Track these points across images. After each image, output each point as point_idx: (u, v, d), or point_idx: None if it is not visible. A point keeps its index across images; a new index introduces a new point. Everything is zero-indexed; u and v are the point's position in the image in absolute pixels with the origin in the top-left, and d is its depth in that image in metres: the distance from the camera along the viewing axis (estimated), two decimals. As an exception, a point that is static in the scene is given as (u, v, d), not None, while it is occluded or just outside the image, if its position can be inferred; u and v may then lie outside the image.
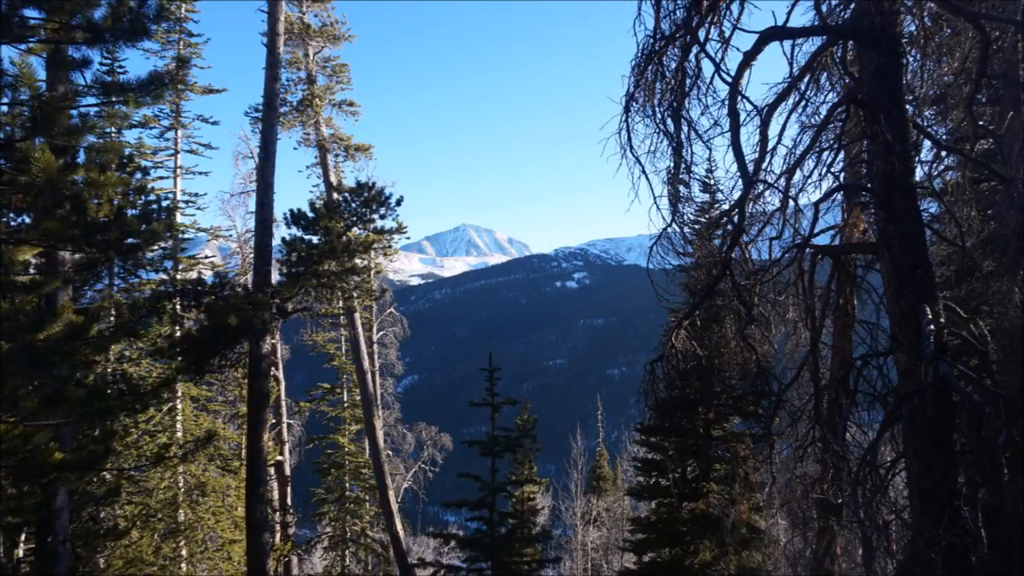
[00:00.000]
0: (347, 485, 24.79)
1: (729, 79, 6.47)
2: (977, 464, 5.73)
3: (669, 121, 6.91)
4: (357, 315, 20.35)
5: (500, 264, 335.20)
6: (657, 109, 6.92)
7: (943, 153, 7.91)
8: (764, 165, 6.75)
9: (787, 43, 7.06)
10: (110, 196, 7.50)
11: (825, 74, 7.57)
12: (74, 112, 7.52)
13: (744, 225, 7.02)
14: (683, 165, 7.09)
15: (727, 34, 6.56)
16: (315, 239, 12.24)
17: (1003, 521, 6.04)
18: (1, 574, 9.58)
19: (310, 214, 12.21)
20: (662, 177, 7.25)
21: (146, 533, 17.23)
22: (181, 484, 19.00)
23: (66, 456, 7.63)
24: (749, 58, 6.41)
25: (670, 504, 13.81)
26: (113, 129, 15.43)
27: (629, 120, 7.04)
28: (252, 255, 13.15)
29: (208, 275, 17.84)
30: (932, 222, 9.63)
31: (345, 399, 25.51)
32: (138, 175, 8.73)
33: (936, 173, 8.51)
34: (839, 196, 8.11)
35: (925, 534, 5.71)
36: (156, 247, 13.31)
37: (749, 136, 6.72)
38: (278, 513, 20.67)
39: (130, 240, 7.90)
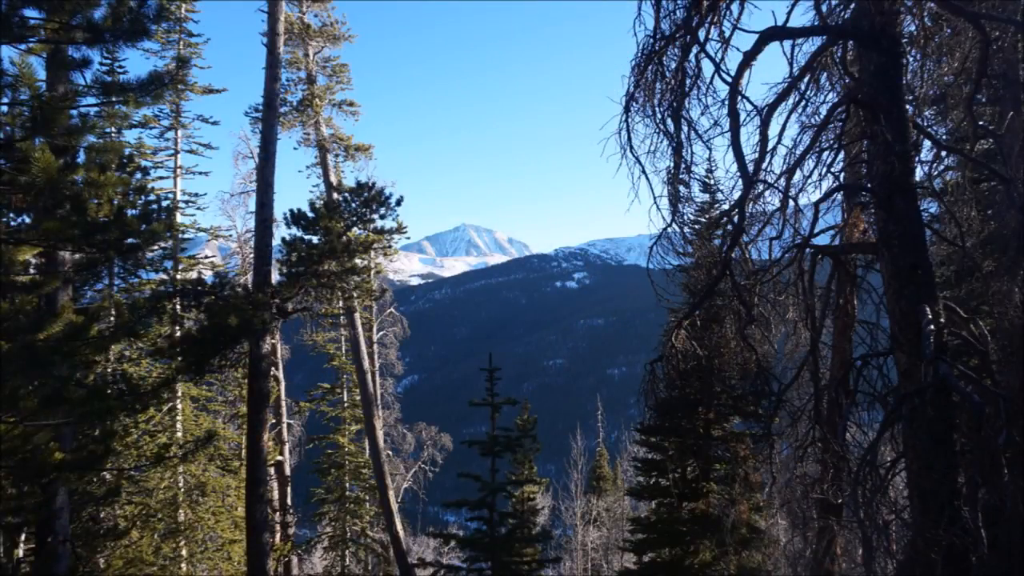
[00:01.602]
0: (347, 485, 24.79)
1: (729, 79, 6.47)
2: (977, 464, 5.73)
3: (669, 121, 6.91)
4: (357, 315, 20.36)
5: (500, 264, 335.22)
6: (657, 109, 6.92)
7: (943, 153, 7.91)
8: (764, 165, 6.75)
9: (787, 43, 7.06)
10: (110, 196, 7.50)
11: (825, 74, 7.57)
12: (74, 112, 7.52)
13: (744, 225, 7.02)
14: (683, 165, 7.09)
15: (727, 34, 6.56)
16: (315, 239, 12.24)
17: (1003, 521, 6.04)
18: (1, 574, 9.58)
19: (310, 214, 12.21)
20: (662, 177, 7.26)
21: (146, 533, 17.23)
22: (181, 484, 19.00)
23: (66, 456, 7.63)
24: (749, 58, 6.40)
25: (670, 504, 13.81)
26: (113, 129, 15.43)
27: (629, 120, 7.05)
28: (252, 255, 13.15)
29: (208, 275, 17.84)
30: (932, 222, 9.63)
31: (345, 399, 25.51)
32: (138, 175, 8.73)
33: (936, 173, 8.51)
34: (839, 196, 8.11)
35: (925, 534, 5.71)
36: (156, 247, 13.33)
37: (749, 136, 6.73)
38: (278, 513, 20.67)
39: (130, 240, 7.90)
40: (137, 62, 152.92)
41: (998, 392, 5.94)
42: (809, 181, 7.13)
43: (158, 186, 19.48)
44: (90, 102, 7.84)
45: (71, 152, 7.52)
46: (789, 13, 6.93)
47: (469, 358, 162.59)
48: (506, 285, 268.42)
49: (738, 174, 6.63)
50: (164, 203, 8.96)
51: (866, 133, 6.74)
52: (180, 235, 19.56)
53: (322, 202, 14.30)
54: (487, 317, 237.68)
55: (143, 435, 17.51)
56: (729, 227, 7.76)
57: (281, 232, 13.49)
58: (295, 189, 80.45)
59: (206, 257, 21.47)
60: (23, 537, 10.75)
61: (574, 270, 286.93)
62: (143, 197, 8.11)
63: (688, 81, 6.78)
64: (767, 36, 6.44)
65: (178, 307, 13.86)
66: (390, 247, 14.49)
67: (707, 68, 6.71)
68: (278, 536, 20.21)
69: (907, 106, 6.81)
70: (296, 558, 23.01)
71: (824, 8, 7.16)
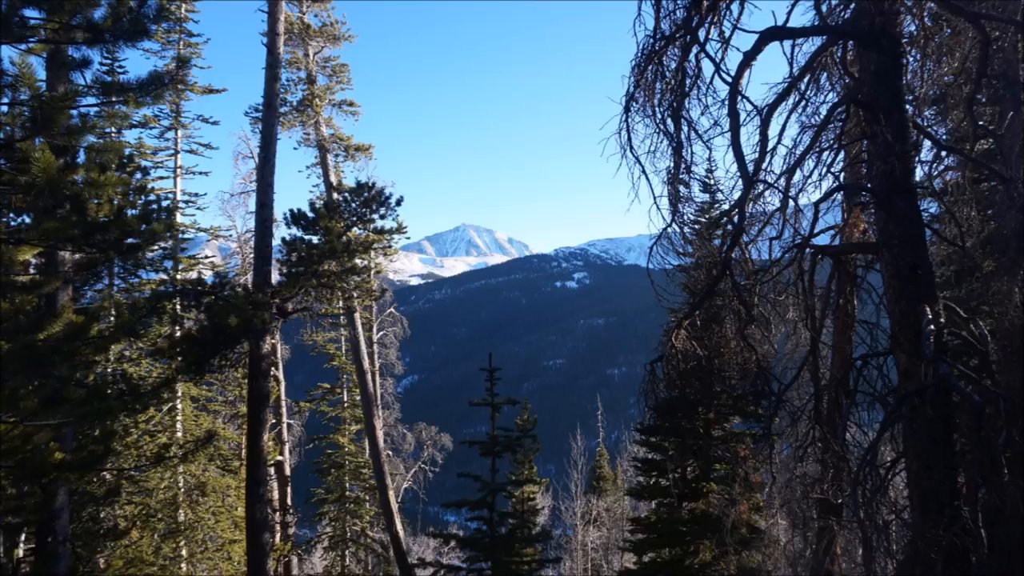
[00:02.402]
0: (347, 485, 24.80)
1: (729, 79, 6.47)
2: (977, 464, 5.73)
3: (669, 121, 6.91)
4: (357, 315, 20.35)
5: (500, 264, 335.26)
6: (657, 109, 6.92)
7: (943, 153, 7.91)
8: (764, 165, 6.75)
9: (787, 43, 7.06)
10: (110, 196, 7.50)
11: (825, 74, 7.57)
12: (74, 112, 7.52)
13: (744, 225, 7.02)
14: (683, 165, 7.09)
15: (727, 34, 6.57)
16: (315, 239, 12.25)
17: (1003, 521, 6.04)
18: (1, 574, 9.58)
19: (310, 214, 12.22)
20: (662, 177, 7.26)
21: (146, 533, 17.24)
22: (181, 484, 19.00)
23: (66, 456, 7.63)
24: (749, 58, 6.40)
25: (670, 504, 13.81)
26: (113, 129, 15.45)
27: (629, 120, 7.04)
28: (252, 255, 13.15)
29: (208, 275, 17.85)
30: (932, 222, 9.61)
31: (345, 399, 25.52)
32: (138, 175, 8.73)
33: (936, 173, 8.50)
34: (839, 196, 8.11)
35: (925, 534, 5.71)
36: (156, 247, 13.35)
37: (749, 136, 6.72)
38: (278, 513, 20.67)
39: (130, 240, 7.90)
40: (137, 62, 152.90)
41: (998, 392, 5.94)
42: (809, 181, 7.13)
43: (158, 186, 19.50)
44: (90, 102, 7.85)
45: (71, 152, 7.52)
46: (789, 13, 6.93)
47: (469, 358, 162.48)
48: (506, 285, 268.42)
49: (738, 174, 6.63)
50: (164, 203, 8.97)
51: (866, 133, 6.74)
52: (180, 235, 19.56)
53: (322, 202, 14.31)
54: (487, 317, 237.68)
55: (143, 435, 17.51)
56: (729, 227, 7.77)
57: (281, 232, 13.52)
58: (295, 189, 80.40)
59: (206, 257, 21.47)
60: (23, 537, 10.75)
61: (574, 270, 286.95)
62: (143, 197, 8.12)
63: (688, 81, 6.78)
64: (767, 36, 6.44)
65: (178, 307, 13.86)
66: (390, 247, 14.51)
67: (707, 68, 6.72)
68: (278, 536, 20.21)
69: (907, 106, 6.81)
70: (296, 558, 23.01)
71: (824, 8, 7.16)
